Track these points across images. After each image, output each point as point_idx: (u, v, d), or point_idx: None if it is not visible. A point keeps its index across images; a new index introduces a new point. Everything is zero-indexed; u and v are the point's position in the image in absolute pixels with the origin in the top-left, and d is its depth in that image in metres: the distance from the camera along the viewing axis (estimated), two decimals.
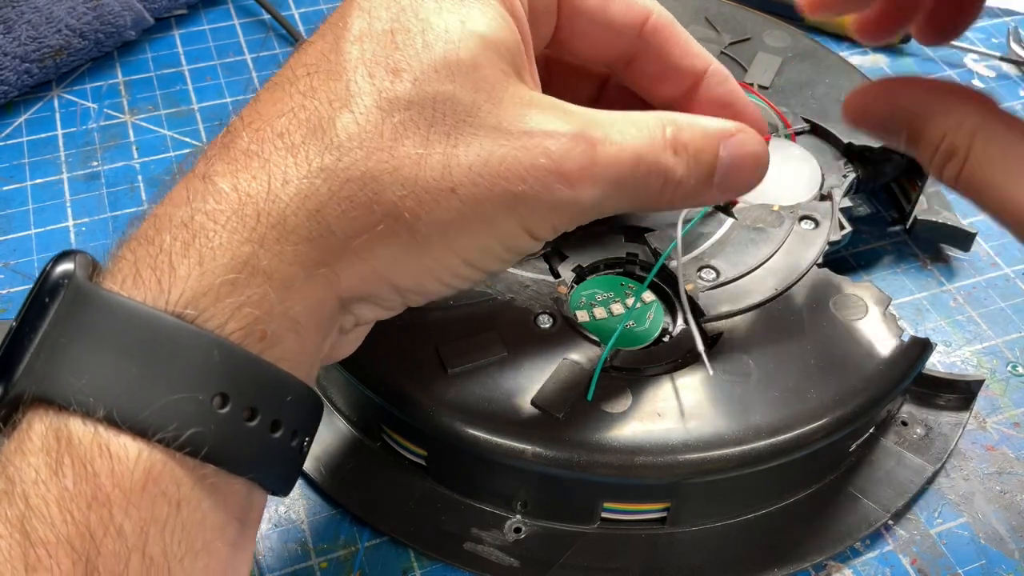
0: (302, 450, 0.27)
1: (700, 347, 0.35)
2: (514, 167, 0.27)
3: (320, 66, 0.27)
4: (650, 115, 0.29)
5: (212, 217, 0.25)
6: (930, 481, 0.38)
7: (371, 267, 0.27)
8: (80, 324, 0.24)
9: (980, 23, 0.60)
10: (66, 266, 0.25)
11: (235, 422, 0.24)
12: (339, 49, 0.27)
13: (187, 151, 0.51)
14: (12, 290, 0.44)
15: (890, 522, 0.37)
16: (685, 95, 0.33)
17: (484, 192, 0.26)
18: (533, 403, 0.34)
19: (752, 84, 0.46)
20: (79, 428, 0.23)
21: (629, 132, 0.28)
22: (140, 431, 0.23)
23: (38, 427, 0.23)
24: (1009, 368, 0.43)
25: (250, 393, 0.25)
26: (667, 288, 0.39)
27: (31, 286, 0.25)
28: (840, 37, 0.58)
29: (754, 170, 0.31)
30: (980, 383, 0.40)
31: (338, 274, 0.26)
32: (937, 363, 0.42)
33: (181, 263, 0.24)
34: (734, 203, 0.41)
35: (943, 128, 0.29)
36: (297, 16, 0.59)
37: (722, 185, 0.30)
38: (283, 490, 0.27)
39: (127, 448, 0.23)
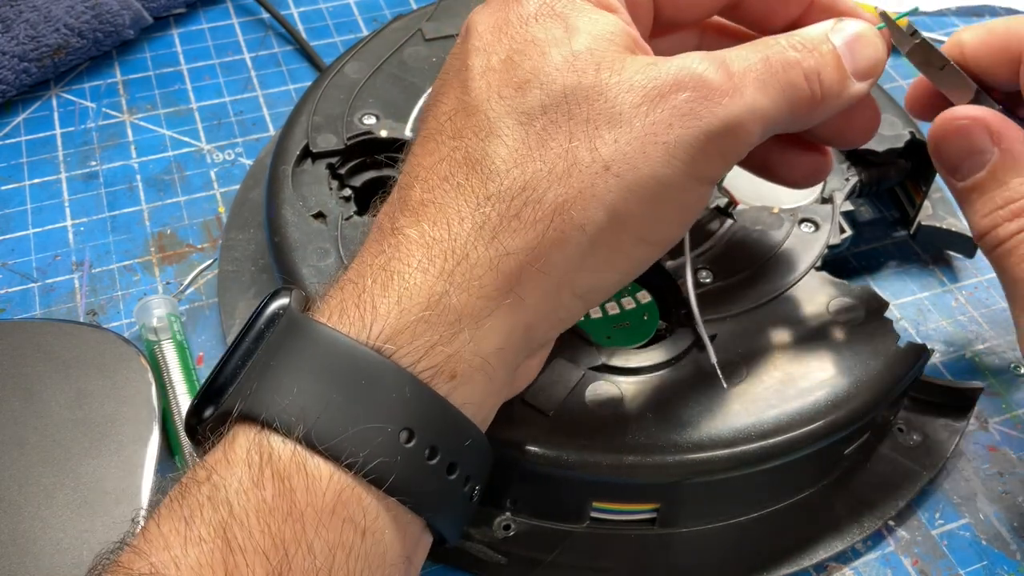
0: (472, 497, 0.28)
1: (713, 359, 0.34)
2: (657, 118, 0.27)
3: (458, 108, 0.29)
4: (756, 40, 0.30)
5: (406, 262, 0.27)
6: (924, 488, 0.38)
7: (551, 279, 0.27)
8: (288, 350, 0.26)
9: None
10: (282, 300, 0.27)
11: (417, 458, 0.25)
12: (468, 88, 0.28)
13: (186, 150, 0.51)
14: (11, 290, 0.44)
15: (891, 523, 0.37)
16: (796, 23, 0.33)
17: (637, 156, 0.27)
18: (524, 401, 0.33)
19: None
20: (279, 445, 0.24)
21: (748, 50, 0.29)
22: (333, 454, 0.24)
23: (242, 440, 0.25)
24: (1011, 369, 0.42)
25: (433, 432, 0.26)
26: (663, 288, 0.38)
27: (249, 317, 0.27)
28: None
29: (870, 43, 0.30)
30: (979, 391, 0.39)
31: (522, 297, 0.27)
32: (939, 363, 0.42)
33: (382, 302, 0.26)
34: (735, 204, 0.40)
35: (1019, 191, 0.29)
36: (296, 15, 0.59)
37: (857, 70, 0.30)
38: (452, 535, 0.28)
39: (320, 469, 0.24)
